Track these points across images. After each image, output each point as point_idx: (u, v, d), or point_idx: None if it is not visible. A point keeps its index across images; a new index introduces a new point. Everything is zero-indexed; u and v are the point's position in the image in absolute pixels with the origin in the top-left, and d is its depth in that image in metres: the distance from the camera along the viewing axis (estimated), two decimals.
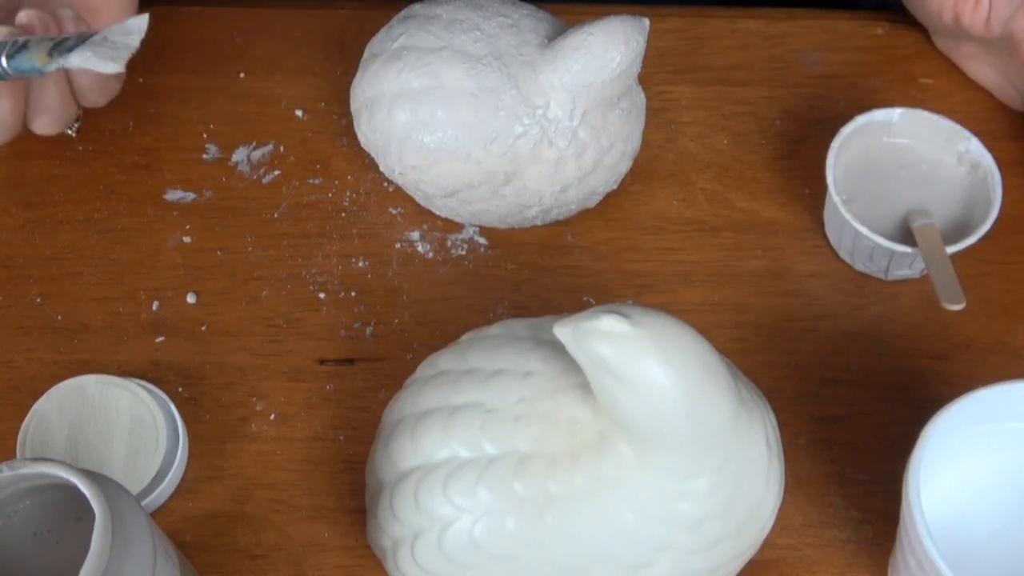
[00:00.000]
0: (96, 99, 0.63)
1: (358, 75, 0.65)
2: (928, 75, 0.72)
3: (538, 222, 0.66)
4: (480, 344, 0.52)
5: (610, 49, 0.59)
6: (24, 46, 0.56)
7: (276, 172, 0.69)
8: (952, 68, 0.72)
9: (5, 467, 0.43)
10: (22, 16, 0.59)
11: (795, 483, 0.58)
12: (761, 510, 0.50)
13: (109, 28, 0.55)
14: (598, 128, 0.62)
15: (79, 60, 0.54)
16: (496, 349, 0.51)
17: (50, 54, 0.55)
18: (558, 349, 0.49)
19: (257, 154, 0.69)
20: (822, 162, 0.63)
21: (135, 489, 0.56)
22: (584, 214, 0.67)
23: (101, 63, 0.54)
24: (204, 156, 0.69)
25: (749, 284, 0.65)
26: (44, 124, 0.61)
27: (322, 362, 0.63)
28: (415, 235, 0.67)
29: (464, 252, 0.66)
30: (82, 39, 0.55)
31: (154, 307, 0.64)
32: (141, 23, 0.55)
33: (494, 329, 0.54)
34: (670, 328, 0.46)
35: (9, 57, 0.56)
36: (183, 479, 0.59)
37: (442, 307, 0.64)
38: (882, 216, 0.63)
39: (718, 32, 0.74)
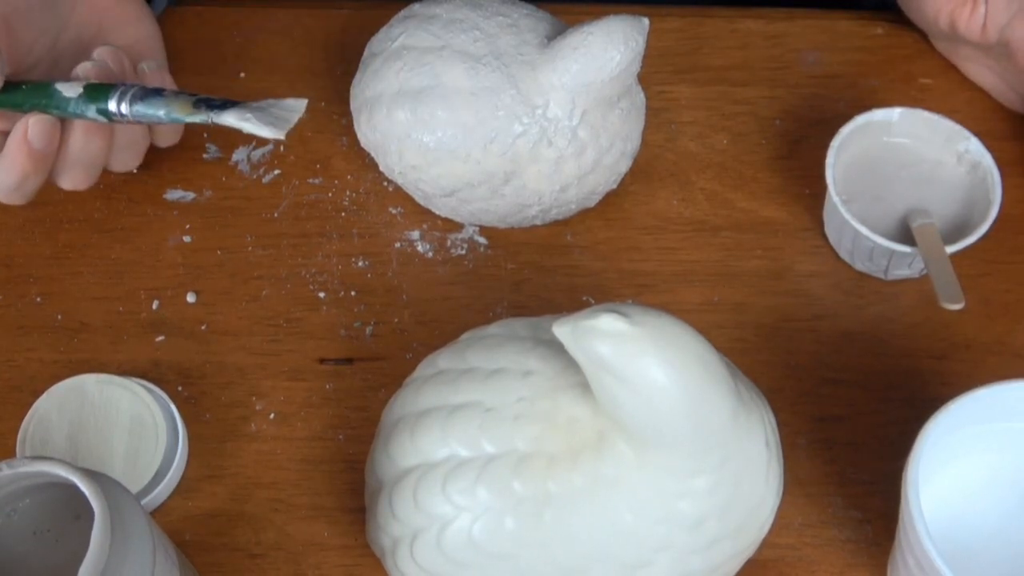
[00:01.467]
0: (171, 140, 0.65)
1: (358, 74, 0.65)
2: (928, 75, 0.72)
3: (538, 222, 0.66)
4: (479, 343, 0.52)
5: (609, 49, 0.59)
6: (146, 95, 0.58)
7: (276, 172, 0.69)
8: (952, 68, 0.72)
9: (5, 465, 0.43)
10: (96, 53, 0.61)
11: (795, 483, 0.58)
12: (760, 510, 0.50)
13: (268, 100, 0.57)
14: (598, 128, 0.62)
15: (235, 119, 0.55)
16: (495, 348, 0.51)
17: (195, 106, 0.57)
18: (557, 348, 0.49)
19: (257, 154, 0.70)
20: (822, 162, 0.63)
21: (135, 488, 0.57)
22: (584, 214, 0.67)
23: (259, 127, 0.55)
24: (204, 156, 0.70)
25: (749, 284, 0.65)
26: (125, 160, 0.63)
27: (322, 361, 0.63)
28: (415, 235, 0.67)
29: (464, 252, 0.66)
30: (228, 102, 0.56)
31: (154, 307, 0.64)
32: (300, 104, 0.56)
33: (493, 328, 0.54)
34: (669, 327, 0.46)
35: (131, 103, 0.57)
36: (183, 478, 0.59)
37: (442, 307, 0.64)
38: (882, 216, 0.63)
39: (718, 32, 0.74)
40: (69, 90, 0.58)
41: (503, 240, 0.67)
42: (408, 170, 0.63)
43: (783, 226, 0.67)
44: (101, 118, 0.58)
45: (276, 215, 0.67)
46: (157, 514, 0.58)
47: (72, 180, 0.60)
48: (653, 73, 0.70)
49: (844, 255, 0.65)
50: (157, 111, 0.57)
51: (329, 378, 0.62)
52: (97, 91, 0.58)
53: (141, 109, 0.57)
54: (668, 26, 0.74)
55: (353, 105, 0.66)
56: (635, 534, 0.48)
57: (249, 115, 0.55)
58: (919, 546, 0.48)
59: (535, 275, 0.65)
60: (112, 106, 0.57)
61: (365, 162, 0.68)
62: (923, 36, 0.73)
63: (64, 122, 0.59)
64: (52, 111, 0.58)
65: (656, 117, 0.70)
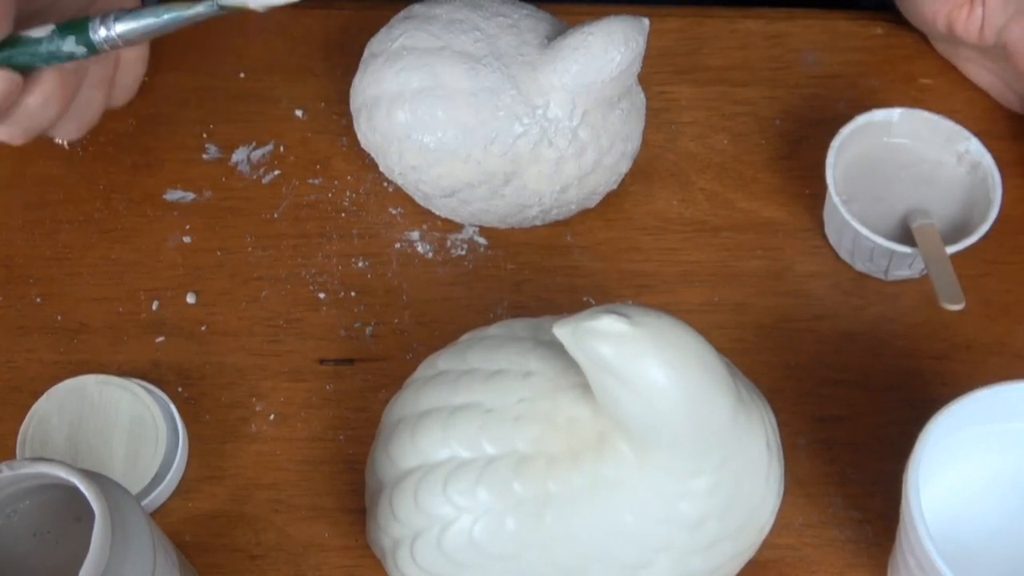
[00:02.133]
0: (125, 99, 0.62)
1: (358, 75, 0.65)
2: (928, 75, 0.72)
3: (538, 222, 0.66)
4: (480, 344, 0.52)
5: (610, 49, 0.59)
6: (128, 12, 0.54)
7: (276, 172, 0.69)
8: (952, 68, 0.72)
9: (5, 467, 0.43)
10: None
11: (795, 483, 0.58)
12: (761, 510, 0.50)
13: None
14: (598, 128, 0.62)
15: None
16: (496, 349, 0.51)
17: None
18: (558, 349, 0.49)
19: (257, 154, 0.69)
20: (822, 162, 0.63)
21: (135, 489, 0.56)
22: (584, 214, 0.67)
23: None
24: (204, 156, 0.69)
25: (749, 284, 0.65)
26: (70, 130, 0.60)
27: (322, 362, 0.63)
28: (415, 235, 0.67)
29: (464, 252, 0.66)
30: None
31: (154, 307, 0.64)
32: None
33: (494, 329, 0.54)
34: (670, 328, 0.46)
35: (116, 23, 0.53)
36: (183, 479, 0.59)
37: (442, 307, 0.64)
38: (882, 216, 0.63)
39: (718, 32, 0.74)
40: (38, 32, 0.54)
41: (503, 241, 0.67)
42: (408, 171, 0.63)
43: (783, 226, 0.67)
44: (81, 51, 0.54)
45: (276, 215, 0.67)
46: (157, 515, 0.58)
47: (7, 134, 0.57)
48: (653, 73, 0.70)
49: (844, 255, 0.65)
50: (153, 18, 0.53)
51: (329, 379, 0.62)
52: (70, 27, 0.54)
53: (130, 25, 0.54)
54: (668, 26, 0.74)
55: (353, 106, 0.66)
56: (636, 535, 0.48)
57: None
58: (920, 547, 0.48)
59: (535, 276, 0.65)
60: (95, 35, 0.54)
61: (365, 162, 0.68)
62: (923, 36, 0.73)
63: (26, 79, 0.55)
64: (20, 59, 0.54)
65: (656, 117, 0.70)
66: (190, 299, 0.65)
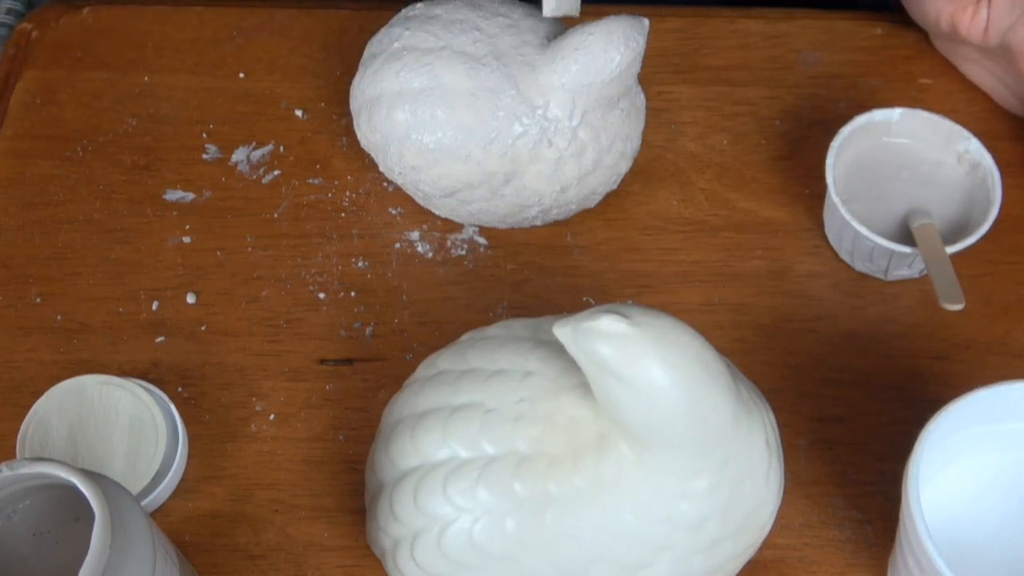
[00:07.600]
0: None
1: (358, 75, 0.65)
2: (928, 75, 0.72)
3: (538, 222, 0.66)
4: (480, 344, 0.52)
5: (610, 49, 0.59)
6: None
7: (276, 172, 0.69)
8: (952, 68, 0.72)
9: (5, 467, 0.43)
10: None
11: (795, 483, 0.58)
12: (761, 510, 0.50)
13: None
14: (598, 128, 0.62)
15: None
16: (496, 349, 0.51)
17: None
18: (558, 349, 0.49)
19: (257, 154, 0.69)
20: (822, 162, 0.63)
21: (135, 489, 0.56)
22: (584, 214, 0.67)
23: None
24: (204, 156, 0.69)
25: (749, 284, 0.65)
26: None
27: (322, 362, 0.63)
28: (415, 235, 0.67)
29: (464, 252, 0.66)
30: None
31: (154, 307, 0.64)
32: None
33: (494, 329, 0.54)
34: (670, 328, 0.46)
35: None
36: (183, 479, 0.59)
37: (442, 307, 0.64)
38: (882, 216, 0.63)
39: (718, 32, 0.74)
40: None
41: (503, 240, 0.67)
42: (408, 171, 0.63)
43: (783, 226, 0.67)
44: None
45: (276, 215, 0.67)
46: (157, 515, 0.58)
47: None
48: (653, 73, 0.70)
49: (844, 255, 0.65)
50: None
51: (329, 379, 0.62)
52: None
53: None
54: (668, 26, 0.74)
55: (353, 106, 0.66)
56: (636, 535, 0.48)
57: None
58: (920, 547, 0.48)
59: (535, 275, 0.65)
60: None
61: (365, 162, 0.68)
62: (923, 36, 0.73)
63: None
64: None
65: (656, 117, 0.70)
66: (190, 299, 0.65)
